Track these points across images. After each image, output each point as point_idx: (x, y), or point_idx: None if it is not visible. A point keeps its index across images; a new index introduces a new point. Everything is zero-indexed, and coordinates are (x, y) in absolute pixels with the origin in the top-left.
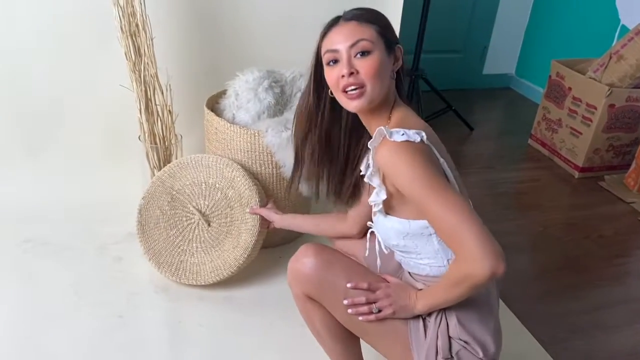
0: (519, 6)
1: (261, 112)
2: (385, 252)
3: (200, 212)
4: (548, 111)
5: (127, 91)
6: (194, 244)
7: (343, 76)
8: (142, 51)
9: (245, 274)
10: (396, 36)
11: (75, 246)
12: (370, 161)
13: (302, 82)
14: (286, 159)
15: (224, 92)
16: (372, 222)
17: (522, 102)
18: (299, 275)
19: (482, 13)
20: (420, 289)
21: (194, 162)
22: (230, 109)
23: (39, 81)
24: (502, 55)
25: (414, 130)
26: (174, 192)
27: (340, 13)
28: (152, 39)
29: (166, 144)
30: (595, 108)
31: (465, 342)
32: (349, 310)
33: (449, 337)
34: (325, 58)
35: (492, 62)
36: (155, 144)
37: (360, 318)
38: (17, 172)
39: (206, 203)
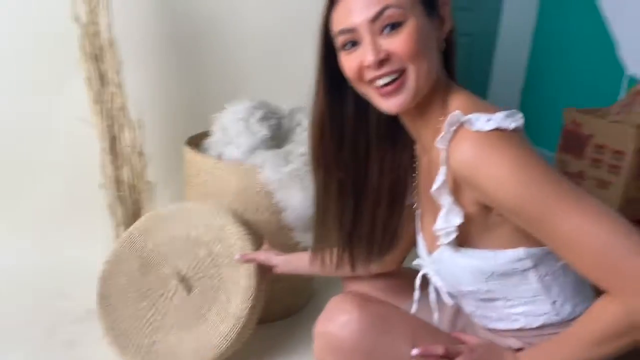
0: (513, 68)
1: (255, 147)
2: (450, 303)
3: (179, 275)
4: (566, 164)
5: (88, 128)
6: (170, 319)
7: (368, 66)
8: (108, 78)
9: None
10: None
11: (19, 327)
12: (441, 168)
13: (302, 116)
14: (289, 199)
15: (206, 133)
16: (421, 257)
17: None
18: (337, 342)
19: (475, 77)
20: (519, 349)
21: (171, 214)
22: (216, 146)
23: None
24: None
25: (502, 113)
26: (146, 253)
27: None
28: (120, 64)
29: (135, 193)
30: (624, 153)
31: None
32: None
33: None
34: (337, 41)
35: None
36: (122, 192)
37: None
38: None
39: (187, 264)
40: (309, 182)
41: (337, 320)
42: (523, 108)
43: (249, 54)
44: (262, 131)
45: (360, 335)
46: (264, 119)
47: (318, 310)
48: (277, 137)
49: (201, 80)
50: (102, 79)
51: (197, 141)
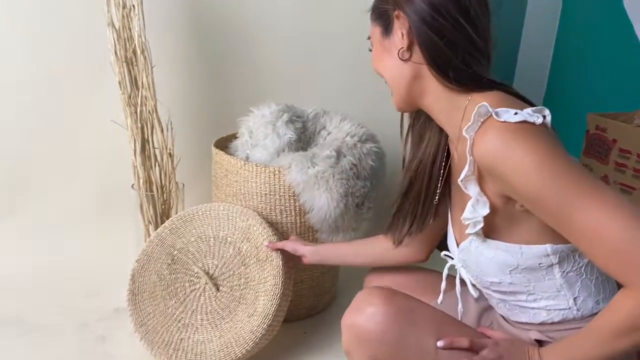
0: (536, 72)
1: (281, 149)
2: (475, 295)
3: (207, 274)
4: (590, 169)
5: (120, 129)
6: (199, 316)
7: None
8: (140, 82)
9: (260, 358)
10: (395, 2)
11: (51, 325)
12: (468, 157)
13: (327, 119)
14: (314, 201)
15: (234, 136)
16: (449, 249)
17: None
18: (363, 333)
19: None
20: (539, 343)
21: (200, 214)
22: (243, 149)
23: (9, 114)
24: None
25: (530, 109)
26: (176, 252)
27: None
28: (152, 68)
29: (165, 194)
30: None
31: None
32: None
33: None
34: None
35: None
36: (152, 192)
37: None
38: None
39: (215, 262)
40: (334, 184)
41: (364, 312)
42: None
43: (275, 59)
44: (288, 134)
45: (386, 327)
46: (290, 122)
47: (341, 310)
48: (302, 140)
49: (229, 84)
50: (134, 82)
51: (224, 143)
